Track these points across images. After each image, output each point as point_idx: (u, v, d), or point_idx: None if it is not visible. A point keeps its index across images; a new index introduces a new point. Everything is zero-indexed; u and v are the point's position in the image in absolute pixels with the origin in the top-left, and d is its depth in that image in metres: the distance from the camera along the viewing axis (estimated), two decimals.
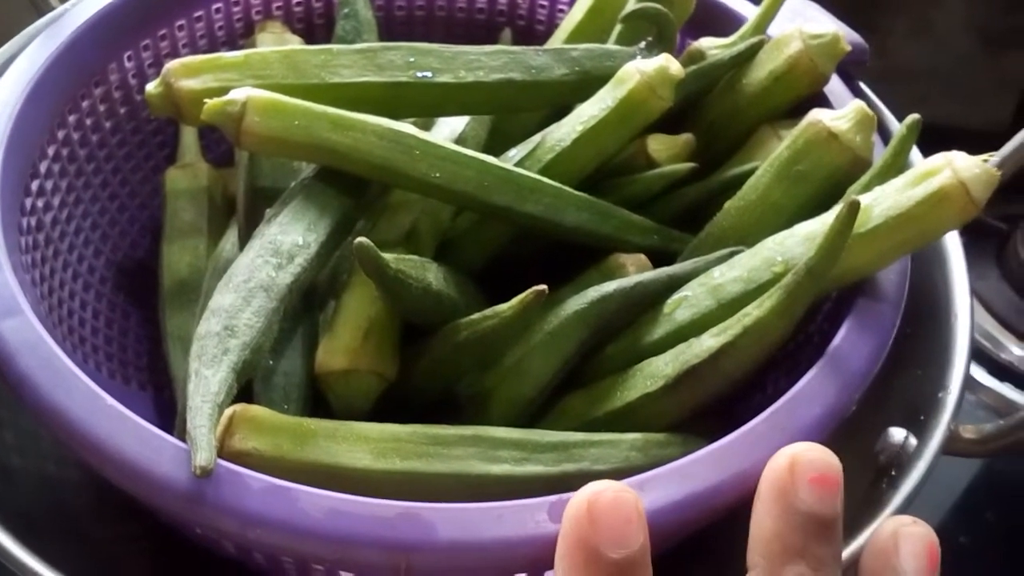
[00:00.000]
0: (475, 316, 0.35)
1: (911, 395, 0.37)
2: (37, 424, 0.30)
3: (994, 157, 0.40)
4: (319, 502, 0.27)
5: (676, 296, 0.36)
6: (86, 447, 0.29)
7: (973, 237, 0.41)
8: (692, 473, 0.29)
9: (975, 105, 0.71)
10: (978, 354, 0.56)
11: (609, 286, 0.36)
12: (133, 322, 0.44)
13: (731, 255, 0.36)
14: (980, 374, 0.55)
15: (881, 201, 0.33)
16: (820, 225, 0.34)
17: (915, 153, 0.40)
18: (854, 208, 0.31)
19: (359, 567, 0.29)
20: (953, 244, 0.41)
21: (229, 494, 0.27)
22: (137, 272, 0.45)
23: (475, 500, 0.28)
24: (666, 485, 0.28)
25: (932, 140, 0.36)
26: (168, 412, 0.40)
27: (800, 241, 0.35)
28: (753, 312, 0.33)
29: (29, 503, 0.37)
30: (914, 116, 0.35)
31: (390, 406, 0.35)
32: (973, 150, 0.34)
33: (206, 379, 0.29)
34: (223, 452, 0.30)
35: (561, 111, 0.42)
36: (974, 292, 0.40)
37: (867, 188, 0.35)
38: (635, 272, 0.38)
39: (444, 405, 0.37)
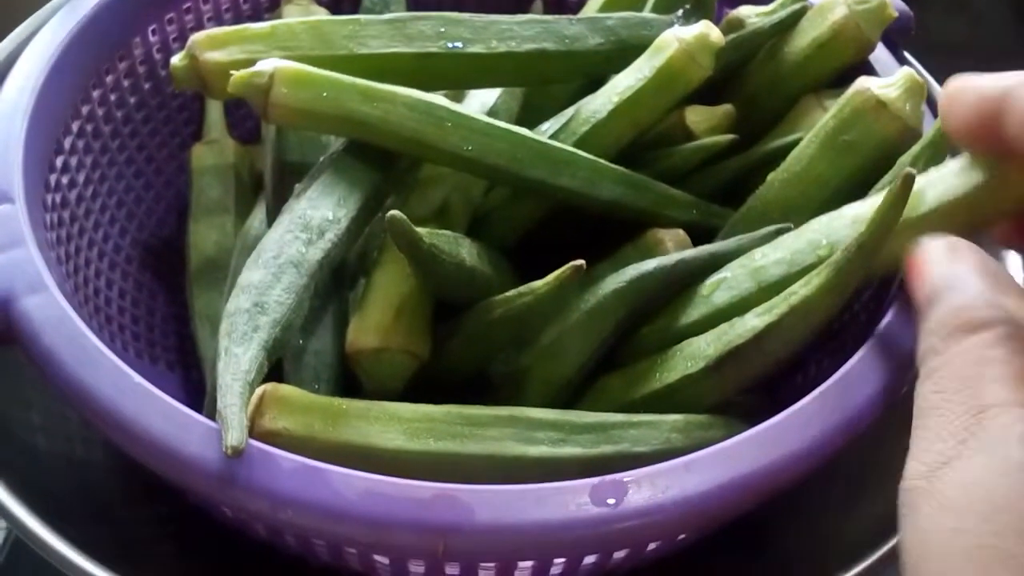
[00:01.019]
0: (509, 293, 0.34)
1: None
2: (63, 403, 0.29)
3: None
4: (353, 483, 0.26)
5: (714, 278, 0.35)
6: (113, 426, 0.28)
7: None
8: (743, 453, 0.27)
9: None
10: None
11: (649, 264, 0.35)
12: (160, 301, 0.44)
13: (777, 233, 0.35)
14: None
15: (935, 184, 0.32)
16: (869, 208, 0.33)
17: None
18: (908, 181, 0.29)
19: (394, 550, 0.28)
20: None
21: (260, 474, 0.26)
22: (164, 251, 0.44)
23: (511, 482, 0.27)
24: (715, 466, 0.27)
25: None
26: (197, 392, 0.39)
27: (847, 223, 0.33)
28: (800, 291, 0.32)
29: (56, 484, 0.36)
30: None
31: (423, 385, 0.35)
32: None
33: (236, 357, 0.28)
34: (253, 432, 0.29)
35: (595, 82, 0.41)
36: None
37: (918, 159, 0.34)
38: (674, 248, 0.36)
39: (478, 385, 0.36)
